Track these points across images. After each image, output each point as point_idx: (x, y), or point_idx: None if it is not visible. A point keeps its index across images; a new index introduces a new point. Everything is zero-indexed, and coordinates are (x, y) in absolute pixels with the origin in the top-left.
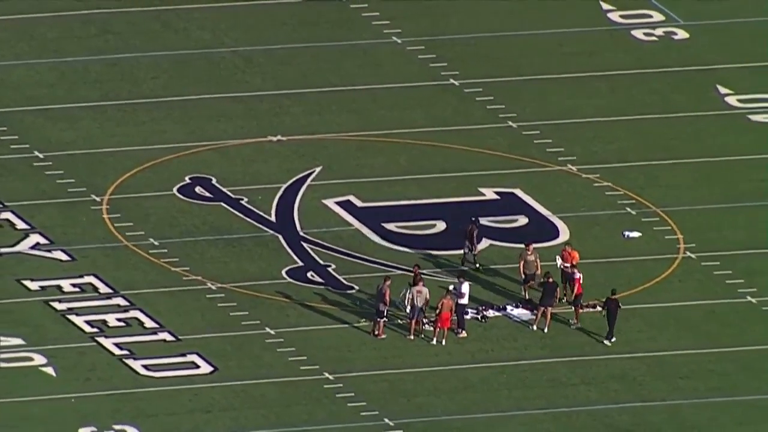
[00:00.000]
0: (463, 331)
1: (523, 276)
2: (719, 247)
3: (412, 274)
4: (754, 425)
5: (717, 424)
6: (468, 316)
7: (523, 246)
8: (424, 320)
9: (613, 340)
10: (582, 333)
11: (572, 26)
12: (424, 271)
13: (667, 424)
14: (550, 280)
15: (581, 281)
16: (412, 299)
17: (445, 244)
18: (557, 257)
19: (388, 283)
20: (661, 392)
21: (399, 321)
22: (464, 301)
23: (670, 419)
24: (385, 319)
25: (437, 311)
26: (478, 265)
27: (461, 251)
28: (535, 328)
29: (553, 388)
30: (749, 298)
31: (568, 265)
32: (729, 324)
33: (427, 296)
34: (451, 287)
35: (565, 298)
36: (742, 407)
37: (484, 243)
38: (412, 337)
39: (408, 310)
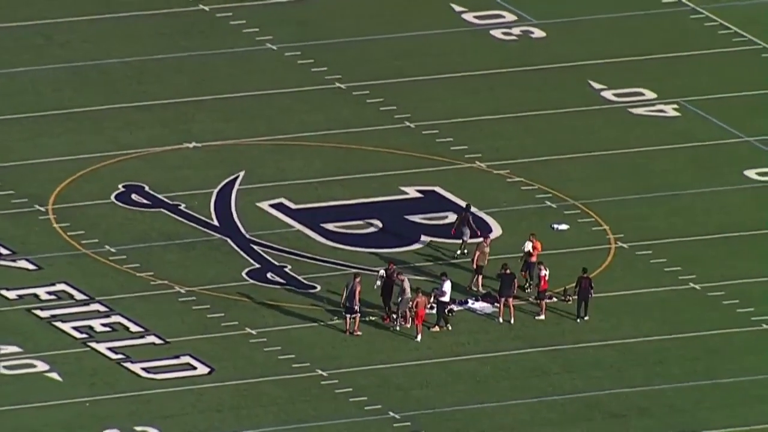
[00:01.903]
0: (436, 327)
1: (475, 267)
2: (647, 237)
3: (387, 271)
4: (740, 407)
5: (704, 407)
6: (433, 311)
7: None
8: (394, 315)
9: (586, 318)
10: (548, 323)
11: (433, 28)
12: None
13: (657, 409)
14: (507, 271)
15: (547, 277)
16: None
17: (385, 242)
18: (527, 243)
19: (359, 279)
20: (641, 378)
21: (370, 318)
22: (446, 298)
23: (658, 404)
24: (358, 314)
25: (414, 309)
26: (465, 251)
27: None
28: (501, 320)
29: (538, 378)
30: (692, 285)
31: (533, 252)
32: (681, 311)
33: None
34: (434, 289)
35: (527, 285)
36: (722, 390)
37: (424, 240)
38: (408, 325)
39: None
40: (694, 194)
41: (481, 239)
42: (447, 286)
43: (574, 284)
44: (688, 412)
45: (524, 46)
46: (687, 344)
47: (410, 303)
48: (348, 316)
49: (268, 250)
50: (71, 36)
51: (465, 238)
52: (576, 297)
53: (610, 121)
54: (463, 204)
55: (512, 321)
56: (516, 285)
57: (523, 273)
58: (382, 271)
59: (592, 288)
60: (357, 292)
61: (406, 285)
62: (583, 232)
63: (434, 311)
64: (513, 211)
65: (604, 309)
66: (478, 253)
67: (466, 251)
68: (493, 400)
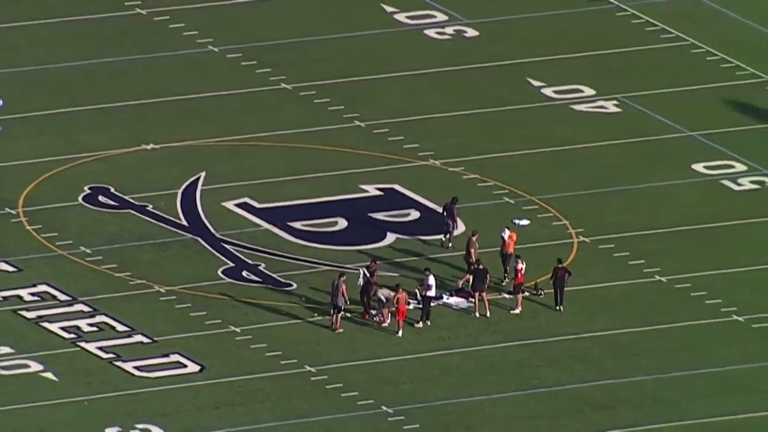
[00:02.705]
0: (420, 323)
1: (471, 262)
2: (607, 231)
3: (369, 268)
4: (723, 398)
5: (689, 397)
6: (410, 306)
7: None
8: (373, 311)
9: (561, 308)
10: (524, 317)
11: (368, 29)
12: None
13: (642, 400)
14: (481, 266)
15: (523, 271)
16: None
17: (353, 239)
18: (505, 229)
19: (344, 278)
20: (621, 370)
21: (348, 314)
22: (431, 293)
23: (642, 395)
24: (342, 313)
25: (395, 305)
26: (451, 245)
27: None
28: (477, 315)
29: (521, 371)
30: (658, 278)
31: (509, 240)
32: (651, 303)
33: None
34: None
35: (505, 277)
36: (703, 381)
37: (391, 237)
38: (387, 323)
39: (384, 301)
40: (645, 188)
41: (471, 236)
42: (431, 281)
43: (549, 275)
44: (673, 403)
45: (459, 45)
46: (662, 336)
47: (393, 298)
48: (335, 313)
49: (241, 249)
50: (17, 41)
51: (451, 230)
52: (552, 288)
53: (555, 118)
54: (425, 201)
55: (488, 314)
56: (489, 279)
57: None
58: (363, 269)
59: (570, 275)
60: (342, 290)
61: (381, 295)
62: (544, 227)
63: (418, 306)
64: (473, 208)
65: (576, 302)
66: (471, 249)
67: (451, 245)
68: (482, 393)
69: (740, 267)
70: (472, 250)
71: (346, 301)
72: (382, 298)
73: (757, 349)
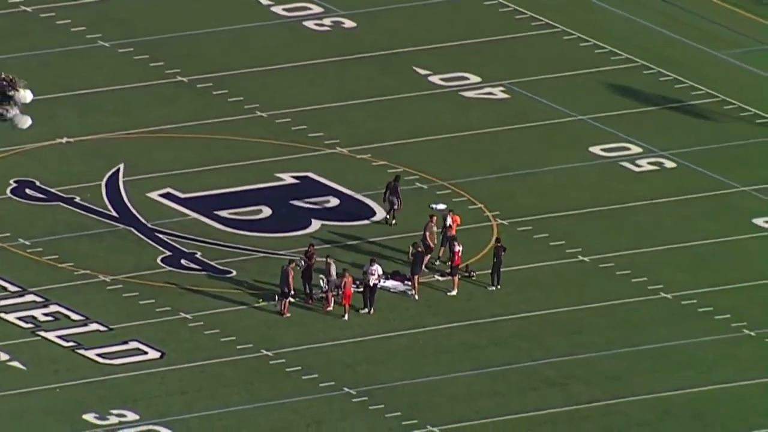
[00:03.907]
0: (365, 309)
1: (426, 247)
2: (521, 214)
3: (308, 252)
4: (666, 372)
5: (636, 373)
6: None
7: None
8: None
9: (499, 287)
10: (460, 299)
11: (249, 22)
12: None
13: (591, 376)
14: (419, 249)
15: (460, 253)
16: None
17: (280, 227)
18: (449, 215)
19: (293, 265)
20: (565, 348)
21: (295, 300)
22: (375, 280)
23: (590, 372)
24: (290, 299)
25: (342, 289)
26: (394, 221)
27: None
28: (417, 297)
29: (470, 351)
30: (581, 258)
31: (453, 225)
32: (580, 282)
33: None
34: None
35: (438, 258)
36: (646, 357)
37: (316, 224)
38: (331, 307)
39: (325, 285)
40: (549, 171)
41: (430, 220)
42: (375, 269)
43: (492, 256)
44: (622, 379)
45: (339, 36)
46: (598, 314)
47: (339, 282)
48: (283, 299)
49: (174, 238)
50: None
51: (395, 207)
52: (492, 268)
53: (447, 105)
54: (341, 188)
55: (416, 297)
56: (426, 262)
57: (443, 247)
58: (301, 256)
59: (505, 251)
60: (290, 277)
61: (333, 268)
62: (461, 211)
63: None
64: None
65: (507, 283)
66: (428, 233)
67: (395, 221)
68: (438, 373)
69: (657, 246)
70: (428, 234)
71: (292, 289)
72: (322, 283)
73: (690, 325)
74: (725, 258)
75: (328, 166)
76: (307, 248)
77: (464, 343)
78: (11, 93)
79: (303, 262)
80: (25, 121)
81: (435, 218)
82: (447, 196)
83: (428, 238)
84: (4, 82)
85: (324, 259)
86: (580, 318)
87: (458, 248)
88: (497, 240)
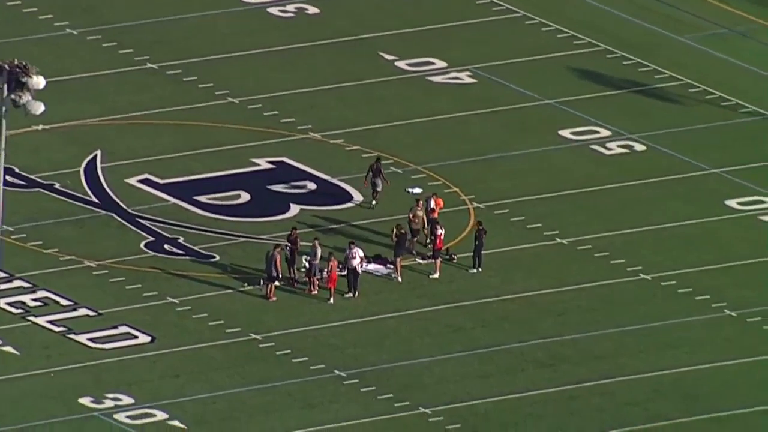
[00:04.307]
0: (349, 293)
1: (410, 230)
2: (497, 197)
3: (291, 236)
4: (653, 352)
5: (624, 353)
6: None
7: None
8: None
9: (480, 270)
10: (442, 281)
11: (212, 9)
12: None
13: (578, 357)
14: (403, 231)
15: (442, 237)
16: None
17: (259, 211)
18: (431, 198)
19: (278, 249)
20: (551, 329)
21: (280, 284)
22: (357, 264)
23: (577, 352)
24: (277, 282)
25: (327, 273)
26: (374, 202)
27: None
28: (399, 279)
29: (456, 333)
30: (558, 240)
31: (436, 209)
32: (560, 264)
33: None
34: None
35: (427, 242)
36: (631, 337)
37: (295, 209)
38: (316, 291)
39: (307, 264)
40: (520, 155)
41: (416, 204)
42: (356, 252)
43: (474, 238)
44: (609, 359)
45: (304, 22)
46: (580, 296)
47: (323, 266)
48: (269, 283)
49: (156, 223)
50: None
51: (378, 189)
52: (473, 251)
53: (416, 90)
54: (316, 172)
55: (399, 280)
56: (412, 245)
57: (425, 230)
58: (285, 242)
59: (485, 233)
60: (276, 261)
61: (319, 251)
62: (437, 194)
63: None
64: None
65: (489, 265)
66: (411, 215)
67: (375, 202)
68: (426, 355)
69: (633, 228)
70: (411, 215)
71: (279, 273)
72: (305, 262)
73: (672, 306)
74: (701, 239)
75: (302, 152)
76: (289, 232)
77: (450, 326)
78: (24, 79)
79: (288, 247)
80: (38, 107)
81: (421, 202)
82: (422, 180)
83: (411, 222)
84: (17, 69)
85: (312, 242)
86: (564, 300)
87: (440, 231)
88: (479, 223)
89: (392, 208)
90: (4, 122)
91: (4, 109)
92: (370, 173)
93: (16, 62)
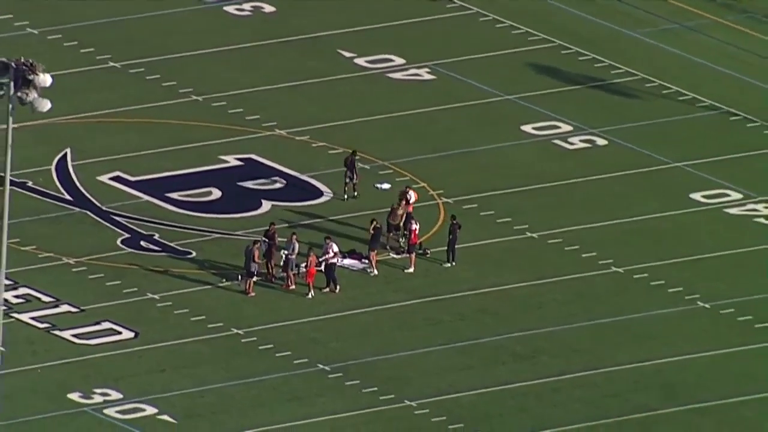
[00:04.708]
0: (327, 288)
1: (387, 225)
2: (465, 192)
3: (269, 231)
4: (631, 344)
5: (603, 345)
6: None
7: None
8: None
9: (454, 264)
10: (417, 275)
11: (168, 8)
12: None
13: (558, 350)
14: (378, 225)
15: (417, 231)
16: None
17: (231, 208)
18: (410, 193)
19: (257, 245)
20: (529, 322)
21: (257, 279)
22: (334, 259)
23: (556, 345)
24: (256, 278)
25: (306, 267)
26: (356, 194)
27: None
28: (376, 272)
29: (435, 326)
30: (529, 234)
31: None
32: (533, 258)
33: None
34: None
35: (402, 239)
36: (609, 330)
37: (266, 205)
38: (293, 286)
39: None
40: (484, 151)
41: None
42: (333, 247)
43: (448, 232)
44: (588, 352)
45: (260, 21)
46: (555, 289)
47: (300, 262)
48: (247, 278)
49: (130, 220)
50: None
51: (355, 182)
52: (447, 245)
53: (376, 87)
54: (285, 169)
55: (375, 272)
56: (395, 240)
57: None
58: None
59: (460, 227)
60: (255, 256)
61: (296, 246)
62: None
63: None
64: (332, 174)
65: (462, 259)
66: (391, 211)
67: (346, 197)
68: (407, 348)
69: (601, 222)
70: (391, 212)
71: (258, 268)
72: (282, 255)
73: (646, 298)
74: (668, 233)
75: (269, 148)
76: (267, 228)
77: (429, 319)
78: (31, 77)
79: (265, 242)
80: (45, 105)
81: (403, 202)
82: (390, 176)
83: (390, 217)
84: (24, 66)
85: (289, 237)
86: (538, 293)
87: (415, 226)
88: (453, 217)
89: (361, 204)
90: (11, 119)
91: (11, 106)
92: (346, 166)
93: (22, 60)
